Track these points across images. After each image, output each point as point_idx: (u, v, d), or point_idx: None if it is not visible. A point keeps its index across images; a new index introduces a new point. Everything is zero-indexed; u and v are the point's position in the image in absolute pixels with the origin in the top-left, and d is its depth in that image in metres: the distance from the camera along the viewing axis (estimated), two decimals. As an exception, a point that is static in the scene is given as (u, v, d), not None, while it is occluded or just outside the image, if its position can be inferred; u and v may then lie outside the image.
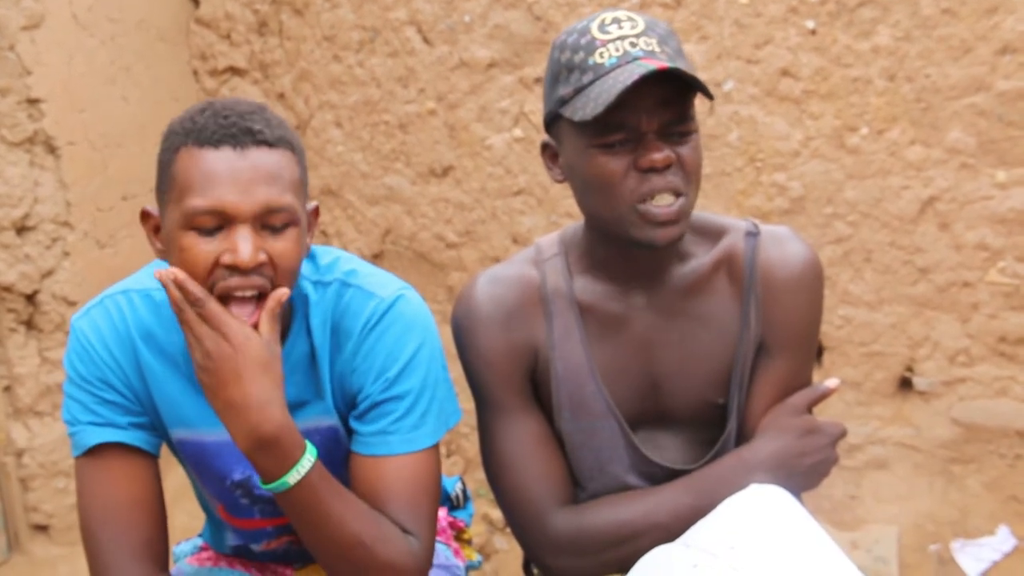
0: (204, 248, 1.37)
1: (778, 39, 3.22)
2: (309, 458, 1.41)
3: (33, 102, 3.10)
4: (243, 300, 1.40)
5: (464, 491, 2.03)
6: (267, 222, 1.39)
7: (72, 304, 3.27)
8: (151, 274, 1.58)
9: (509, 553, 3.40)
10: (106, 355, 1.54)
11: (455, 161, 3.65)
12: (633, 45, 1.49)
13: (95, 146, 3.35)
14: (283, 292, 1.40)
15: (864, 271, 3.25)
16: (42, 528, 3.34)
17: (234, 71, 3.94)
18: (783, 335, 1.62)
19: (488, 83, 3.55)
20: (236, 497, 1.66)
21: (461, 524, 1.98)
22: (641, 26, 1.51)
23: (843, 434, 1.64)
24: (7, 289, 3.14)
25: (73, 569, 3.28)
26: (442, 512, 1.94)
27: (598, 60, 1.50)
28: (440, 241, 3.73)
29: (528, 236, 3.57)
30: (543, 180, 3.52)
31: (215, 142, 1.37)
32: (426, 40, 3.61)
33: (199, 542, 1.91)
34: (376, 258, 3.84)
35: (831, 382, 1.67)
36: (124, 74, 3.50)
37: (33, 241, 3.17)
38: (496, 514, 3.50)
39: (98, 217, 3.38)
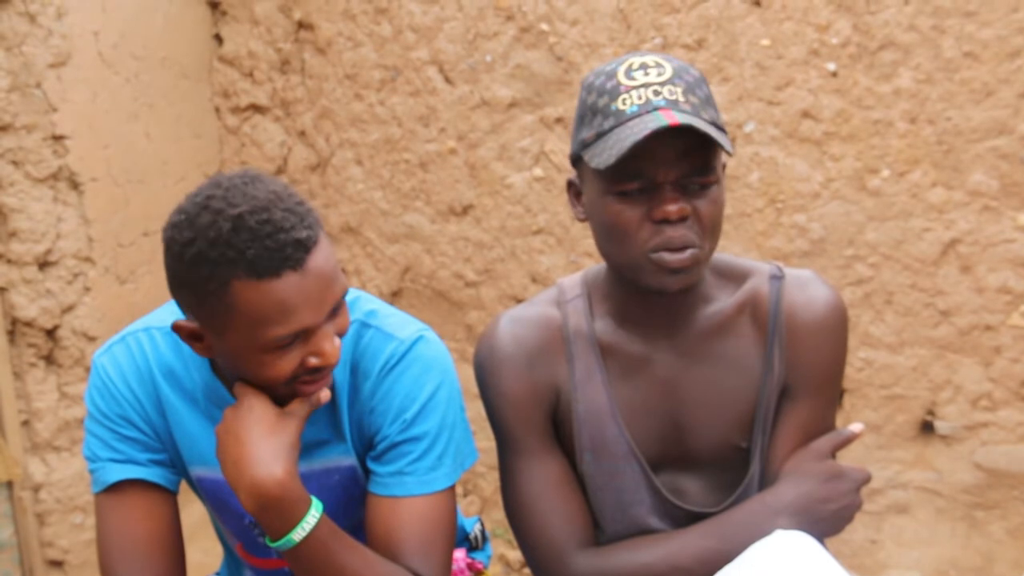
0: (288, 360, 1.39)
1: (799, 81, 3.22)
2: (314, 515, 1.41)
3: (58, 139, 3.13)
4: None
5: (483, 532, 2.01)
6: (335, 312, 1.43)
7: (92, 340, 3.28)
8: (172, 311, 1.58)
9: (526, 595, 3.37)
10: (127, 392, 1.55)
11: (475, 200, 3.65)
12: (656, 94, 1.48)
13: (117, 182, 3.38)
14: (327, 395, 1.47)
15: (885, 313, 3.24)
16: (57, 564, 3.33)
17: (256, 108, 3.97)
18: (807, 378, 1.61)
19: (509, 122, 3.56)
20: (254, 536, 1.65)
21: (480, 566, 1.96)
22: (668, 73, 1.50)
23: (867, 479, 1.62)
24: (28, 324, 3.15)
25: (88, 605, 3.27)
26: (461, 553, 1.93)
27: (620, 107, 1.50)
28: (459, 280, 3.73)
29: (547, 275, 3.56)
30: (563, 219, 3.52)
31: (274, 271, 1.32)
32: (447, 79, 3.63)
33: (216, 580, 1.90)
34: (395, 296, 3.84)
35: (855, 427, 1.65)
36: (147, 111, 3.54)
37: (55, 276, 3.19)
38: (513, 555, 3.47)
39: (119, 253, 3.39)
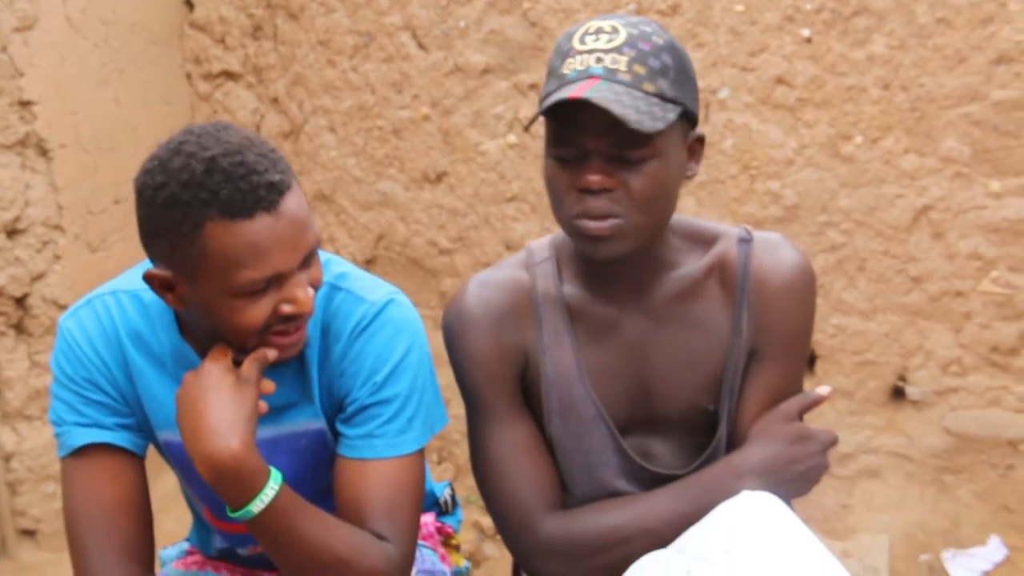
0: (261, 308, 1.38)
1: (773, 47, 3.22)
2: (273, 486, 1.40)
3: (25, 104, 3.09)
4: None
5: (453, 496, 2.02)
6: (309, 260, 1.42)
7: (63, 308, 3.25)
8: (140, 275, 1.57)
9: (499, 560, 3.38)
10: (93, 355, 1.53)
11: (449, 167, 3.64)
12: (599, 61, 1.47)
13: (87, 149, 3.34)
14: (273, 354, 1.45)
15: (857, 280, 3.25)
16: (29, 533, 3.32)
17: (228, 75, 3.93)
18: (775, 341, 1.62)
19: (483, 89, 3.54)
20: (221, 500, 1.64)
21: (449, 529, 1.97)
22: (619, 40, 1.48)
23: (834, 441, 1.63)
24: (-3, 292, 3.13)
25: (59, 573, 3.26)
26: (430, 517, 1.93)
27: (564, 70, 1.50)
28: (433, 247, 3.72)
29: (521, 243, 3.56)
30: (537, 187, 3.51)
31: (248, 212, 1.32)
32: (421, 45, 3.60)
33: (185, 546, 1.90)
34: (369, 264, 3.83)
35: (822, 389, 1.66)
36: (117, 77, 3.50)
37: (24, 244, 3.16)
38: (486, 521, 3.49)
39: (89, 220, 3.36)
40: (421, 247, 3.74)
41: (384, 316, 1.55)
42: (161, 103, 3.74)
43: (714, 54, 3.28)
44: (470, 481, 3.60)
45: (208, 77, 3.94)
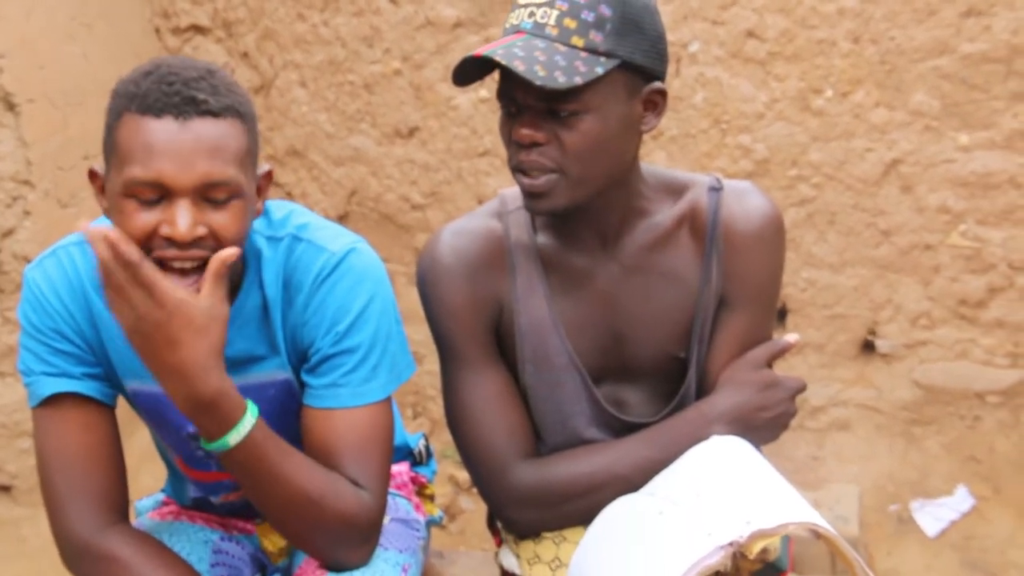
0: (143, 218, 1.35)
1: (744, 0, 3.21)
2: (250, 419, 1.40)
3: (-9, 58, 3.06)
4: (182, 271, 1.38)
5: (427, 447, 2.03)
6: (208, 195, 1.37)
7: (33, 263, 3.23)
8: (107, 224, 1.56)
9: (475, 513, 3.42)
10: (59, 305, 1.53)
11: (421, 122, 3.63)
12: (531, 15, 1.48)
13: (55, 104, 3.31)
14: (230, 253, 1.36)
15: (828, 233, 3.28)
16: (5, 489, 3.32)
17: (197, 29, 3.89)
18: (744, 289, 1.63)
19: (454, 43, 3.53)
20: (192, 448, 1.65)
21: (423, 480, 1.98)
22: None
23: (802, 388, 1.65)
24: (-34, 248, 3.11)
25: (37, 530, 3.27)
26: (404, 467, 1.95)
27: (505, 25, 1.52)
28: (406, 202, 3.72)
29: (494, 197, 3.56)
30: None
31: (157, 111, 1.33)
32: (392, -1, 3.58)
33: (161, 497, 1.91)
34: (341, 219, 3.82)
35: (791, 337, 1.68)
36: (85, 31, 3.45)
37: (-8, 199, 3.14)
38: (462, 475, 3.52)
39: (59, 176, 3.34)
40: (394, 203, 3.73)
41: (345, 265, 1.54)
42: (130, 57, 3.69)
43: (685, 7, 3.28)
44: (446, 436, 3.62)
45: (177, 31, 3.90)
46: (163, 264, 1.36)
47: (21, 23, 3.14)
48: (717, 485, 1.39)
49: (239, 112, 1.40)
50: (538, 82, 1.40)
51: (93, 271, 1.54)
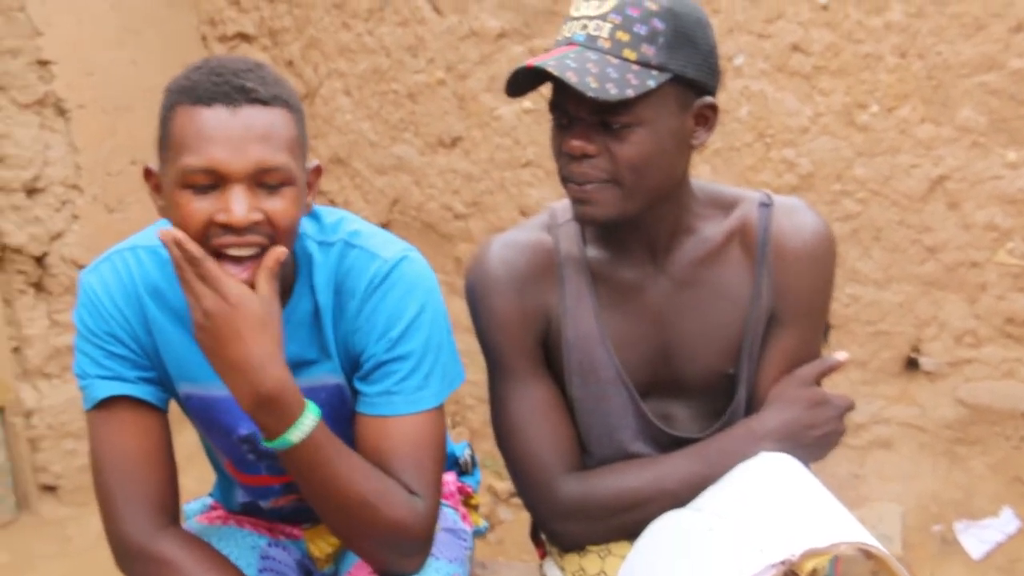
0: (198, 206, 1.37)
1: (789, 14, 3.20)
2: (311, 416, 1.41)
3: (43, 64, 3.11)
4: (238, 259, 1.40)
5: (472, 457, 2.04)
6: (262, 181, 1.39)
7: (81, 267, 3.26)
8: (158, 231, 1.59)
9: (514, 524, 3.42)
10: (113, 310, 1.55)
11: (464, 132, 3.64)
12: (583, 28, 1.48)
13: (105, 109, 3.36)
14: (281, 251, 1.40)
15: (872, 249, 3.25)
16: (50, 489, 3.37)
17: (243, 37, 3.93)
18: (794, 306, 1.62)
19: (498, 53, 3.54)
20: (243, 452, 1.67)
21: (469, 489, 1.99)
22: (608, 6, 1.48)
23: (851, 407, 1.65)
24: (17, 251, 3.15)
25: (81, 529, 3.31)
26: (451, 477, 1.95)
27: (558, 37, 1.53)
28: (448, 212, 3.73)
29: (535, 208, 3.56)
30: (552, 152, 3.50)
31: (208, 100, 1.36)
32: (436, 9, 3.59)
33: (209, 501, 1.92)
34: (383, 228, 3.83)
35: (840, 355, 1.67)
36: (134, 38, 3.50)
37: (43, 203, 3.18)
38: (501, 485, 3.52)
39: (107, 181, 3.38)
40: (436, 212, 3.75)
41: (398, 272, 1.55)
42: (177, 65, 3.67)
43: (730, 20, 3.27)
44: (485, 445, 3.63)
45: (223, 39, 3.94)
46: (219, 254, 1.38)
47: (73, 31, 3.19)
48: (768, 502, 1.38)
49: (287, 102, 1.43)
50: (590, 94, 1.40)
51: (147, 276, 1.57)
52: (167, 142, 1.39)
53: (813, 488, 1.43)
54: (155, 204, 1.48)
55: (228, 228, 1.37)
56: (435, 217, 3.75)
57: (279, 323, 1.40)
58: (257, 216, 1.38)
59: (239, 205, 1.36)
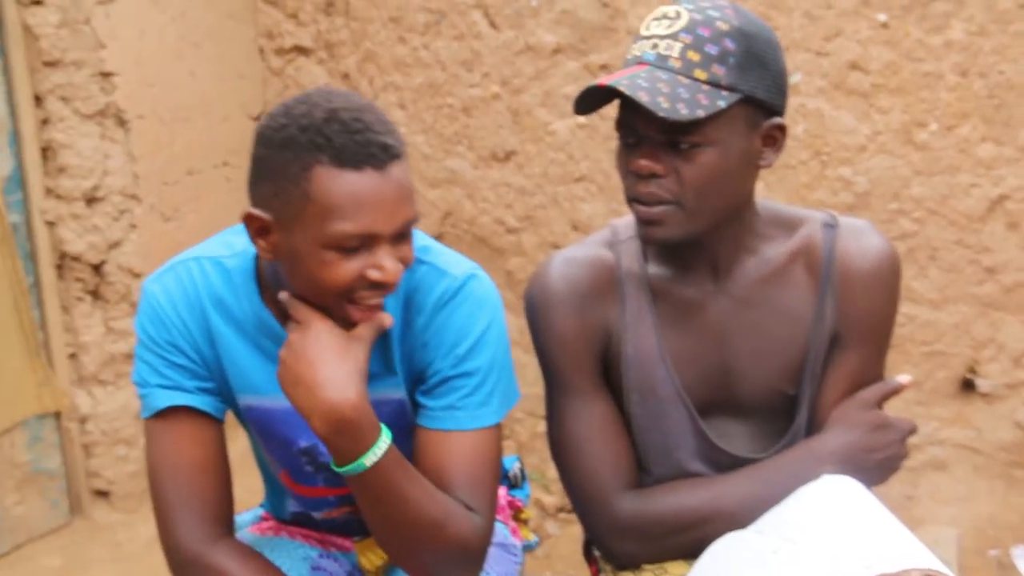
0: (349, 267, 1.38)
1: (848, 32, 3.18)
2: (385, 440, 1.42)
3: (106, 75, 3.15)
4: (371, 307, 1.45)
5: (522, 471, 2.04)
6: (401, 232, 1.42)
7: (137, 276, 3.32)
8: (222, 242, 1.60)
9: (560, 539, 3.41)
10: (176, 320, 1.56)
11: (518, 146, 3.65)
12: (654, 47, 1.48)
13: (163, 120, 3.40)
14: (391, 320, 1.48)
15: (928, 269, 3.22)
16: (103, 494, 3.41)
17: (300, 50, 3.96)
18: (858, 328, 1.61)
19: (553, 68, 3.54)
20: (301, 464, 1.68)
21: (519, 504, 1.99)
22: (679, 25, 1.47)
23: (913, 430, 1.63)
24: (75, 258, 3.20)
25: (131, 534, 3.35)
26: (502, 491, 1.95)
27: (628, 56, 1.53)
28: (500, 225, 3.73)
29: (588, 223, 3.56)
30: (605, 167, 3.51)
31: (356, 163, 1.34)
32: (492, 24, 3.61)
33: (260, 512, 1.93)
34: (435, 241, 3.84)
35: (903, 378, 1.66)
36: (193, 50, 3.55)
37: (102, 212, 3.23)
38: (548, 499, 3.51)
39: (164, 191, 3.43)
40: (488, 225, 3.75)
41: (467, 290, 1.56)
42: (234, 77, 3.78)
43: (787, 38, 3.25)
44: (531, 459, 3.63)
45: (280, 52, 3.97)
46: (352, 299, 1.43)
47: (135, 43, 3.24)
48: (833, 525, 1.37)
49: (404, 145, 1.43)
50: (661, 113, 1.40)
51: (211, 287, 1.58)
52: (302, 201, 1.36)
53: (879, 512, 1.41)
54: (257, 246, 1.45)
55: (375, 284, 1.40)
56: (487, 231, 3.76)
57: (363, 358, 1.43)
58: (400, 268, 1.42)
59: (391, 263, 1.39)
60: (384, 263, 1.38)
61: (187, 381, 1.58)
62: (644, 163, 1.48)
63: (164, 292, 1.58)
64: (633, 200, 1.53)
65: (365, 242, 1.38)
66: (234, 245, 1.58)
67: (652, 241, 1.56)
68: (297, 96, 1.43)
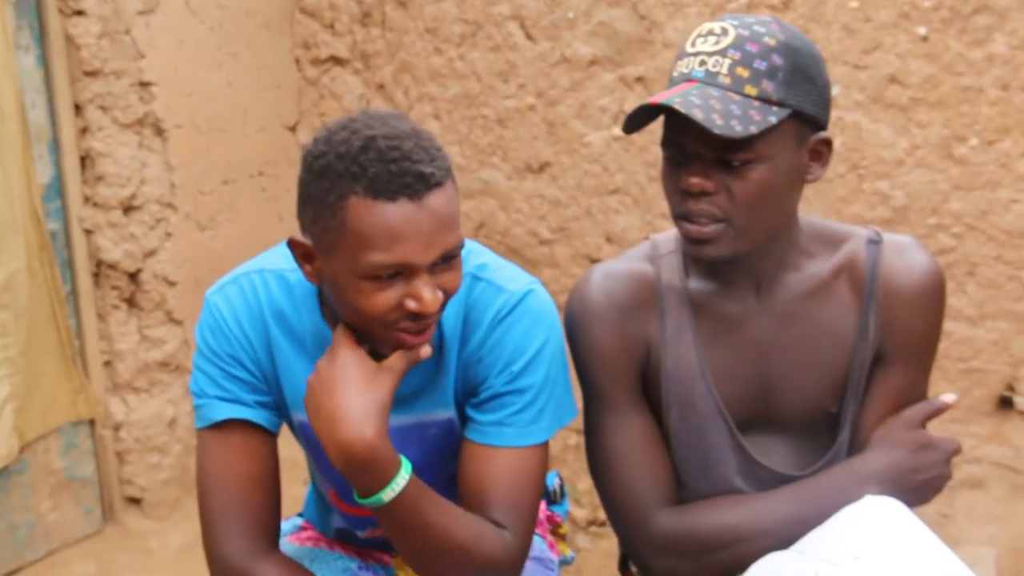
0: (385, 297, 1.38)
1: (887, 45, 3.16)
2: (404, 475, 1.41)
3: (145, 85, 3.18)
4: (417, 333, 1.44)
5: (561, 486, 2.03)
6: (442, 260, 1.41)
7: (172, 284, 3.34)
8: (284, 255, 1.60)
9: (592, 552, 3.39)
10: (238, 332, 1.56)
11: (552, 157, 3.64)
12: (702, 64, 1.47)
13: (200, 130, 3.42)
14: (428, 351, 1.46)
15: (967, 285, 3.18)
16: (135, 501, 3.42)
17: (335, 61, 3.98)
18: (902, 346, 1.60)
19: (589, 80, 3.54)
20: (348, 484, 1.67)
21: (558, 519, 1.98)
22: (726, 42, 1.47)
23: (958, 450, 1.62)
24: (112, 266, 3.22)
25: (163, 542, 3.36)
26: (541, 505, 1.94)
27: (674, 73, 1.52)
28: (533, 237, 3.73)
29: (622, 235, 3.55)
30: (640, 179, 3.50)
31: (391, 194, 1.33)
32: (528, 36, 3.61)
33: (299, 521, 1.94)
34: (468, 251, 3.84)
35: (948, 397, 1.64)
36: (230, 60, 3.57)
37: (138, 221, 3.25)
38: (579, 512, 3.50)
39: (200, 199, 3.44)
40: (521, 237, 3.75)
41: (524, 306, 1.55)
42: (271, 87, 3.80)
43: (826, 51, 3.23)
44: (563, 471, 3.61)
45: (316, 62, 3.99)
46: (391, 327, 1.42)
47: (174, 53, 3.26)
48: (876, 548, 1.35)
49: (450, 168, 1.41)
50: (716, 130, 1.39)
51: (273, 300, 1.58)
52: (339, 231, 1.36)
53: (923, 535, 1.39)
54: (303, 270, 1.46)
55: (414, 314, 1.40)
56: (520, 242, 3.75)
57: (388, 390, 1.42)
58: (440, 297, 1.40)
59: (429, 294, 1.38)
60: (422, 293, 1.37)
61: (245, 394, 1.58)
62: (695, 181, 1.47)
63: (227, 304, 1.58)
64: (682, 218, 1.52)
65: (401, 272, 1.37)
66: None
67: (703, 260, 1.55)
68: (341, 120, 1.41)
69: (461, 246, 1.43)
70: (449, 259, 1.41)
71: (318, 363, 1.44)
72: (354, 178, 1.34)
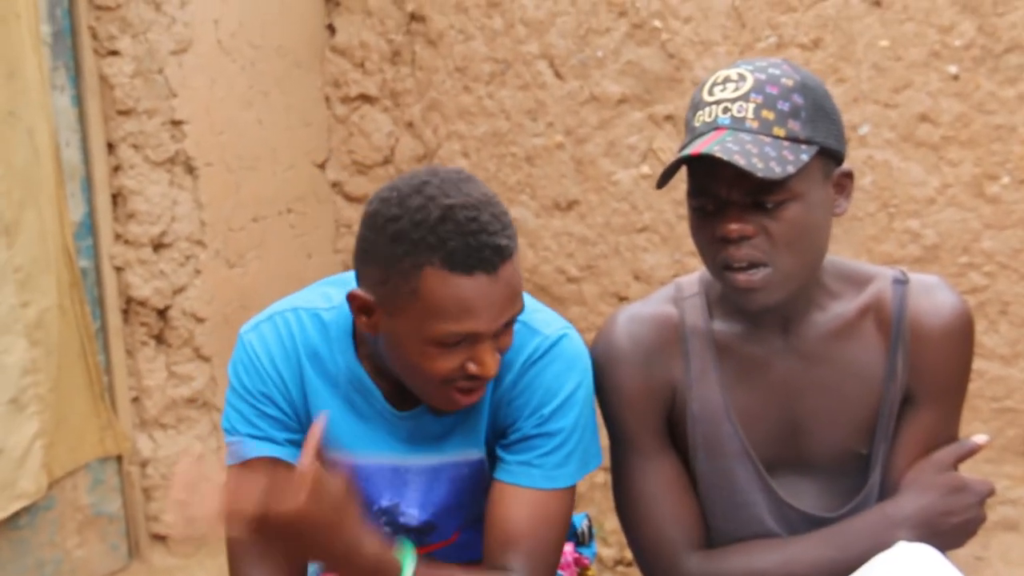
0: (449, 361, 1.40)
1: (918, 83, 3.15)
2: (408, 570, 1.41)
3: (176, 124, 3.21)
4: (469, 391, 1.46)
5: (590, 528, 2.01)
6: (504, 326, 1.43)
7: (201, 321, 3.35)
8: (320, 293, 1.60)
9: (618, 593, 3.36)
10: (272, 370, 1.57)
11: (580, 195, 3.64)
12: (726, 111, 1.47)
13: (230, 168, 3.45)
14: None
15: (999, 324, 3.15)
16: (161, 538, 3.41)
17: (365, 99, 4.01)
18: (931, 386, 1.58)
19: (617, 119, 3.54)
20: (380, 524, 1.66)
21: (586, 561, 1.96)
22: (745, 88, 1.47)
23: (991, 492, 1.60)
24: (141, 303, 3.24)
25: (188, 580, 3.35)
26: (568, 547, 1.93)
27: (695, 123, 1.52)
28: (561, 275, 3.72)
29: (651, 274, 3.54)
30: (668, 218, 3.49)
31: (468, 268, 1.35)
32: (557, 74, 3.62)
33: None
34: (496, 289, 3.84)
35: (979, 438, 1.63)
36: (261, 98, 3.60)
37: (168, 258, 3.27)
38: (607, 552, 3.47)
39: (229, 237, 3.46)
40: (549, 274, 3.74)
41: (557, 350, 1.56)
42: (301, 125, 3.83)
43: (856, 89, 3.22)
44: (589, 510, 3.58)
45: (346, 100, 4.02)
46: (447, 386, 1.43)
47: (205, 92, 3.30)
48: (910, 596, 1.33)
49: (516, 237, 1.43)
50: (759, 174, 1.39)
51: (307, 339, 1.58)
52: (410, 297, 1.37)
53: (957, 583, 1.37)
54: (357, 321, 1.46)
55: (474, 377, 1.41)
56: (548, 280, 3.75)
57: (355, 508, 1.38)
58: (499, 360, 1.43)
59: (492, 358, 1.40)
60: (485, 358, 1.40)
61: (277, 432, 1.58)
62: (735, 227, 1.46)
63: (261, 342, 1.58)
64: (725, 268, 1.50)
65: (467, 339, 1.39)
66: (332, 297, 1.59)
67: (755, 309, 1.53)
68: (411, 179, 1.41)
69: (522, 311, 1.44)
70: (511, 324, 1.44)
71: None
72: (431, 249, 1.34)
